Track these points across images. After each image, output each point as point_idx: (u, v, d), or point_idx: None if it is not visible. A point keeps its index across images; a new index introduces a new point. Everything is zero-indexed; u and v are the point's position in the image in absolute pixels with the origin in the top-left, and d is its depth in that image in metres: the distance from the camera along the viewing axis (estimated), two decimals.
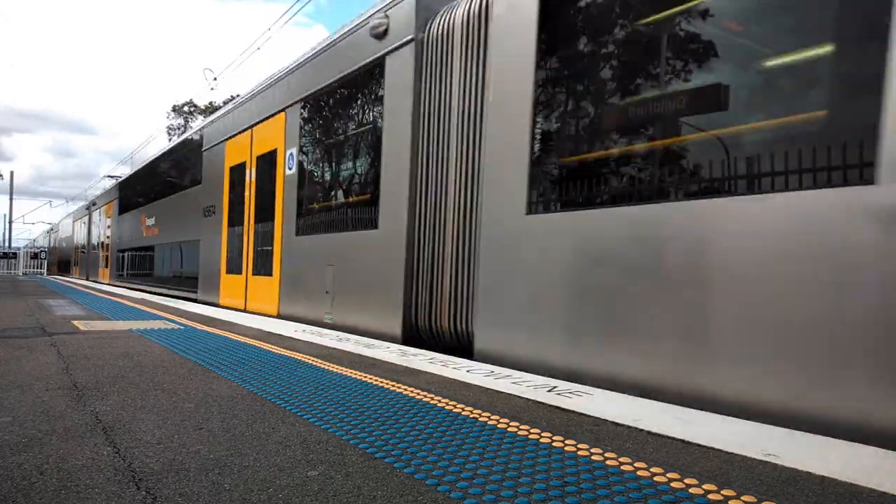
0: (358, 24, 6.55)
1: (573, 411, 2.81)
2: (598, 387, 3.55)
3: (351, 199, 6.86)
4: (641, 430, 2.49)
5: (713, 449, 2.24)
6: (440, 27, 5.50)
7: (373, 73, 6.32)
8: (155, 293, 13.51)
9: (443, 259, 5.32)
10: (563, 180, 4.17)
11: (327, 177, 7.40)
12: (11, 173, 42.27)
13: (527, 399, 3.06)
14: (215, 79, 22.60)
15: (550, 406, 2.91)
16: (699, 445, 2.28)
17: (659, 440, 2.36)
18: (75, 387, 3.15)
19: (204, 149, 11.45)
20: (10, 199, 43.09)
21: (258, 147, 8.93)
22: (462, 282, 5.09)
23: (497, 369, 3.95)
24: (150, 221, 15.83)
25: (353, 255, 6.52)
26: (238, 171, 9.73)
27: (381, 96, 6.16)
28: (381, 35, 6.09)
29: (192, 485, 1.80)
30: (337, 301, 6.76)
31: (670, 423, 2.58)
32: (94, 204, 25.10)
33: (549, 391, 3.25)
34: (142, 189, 17.05)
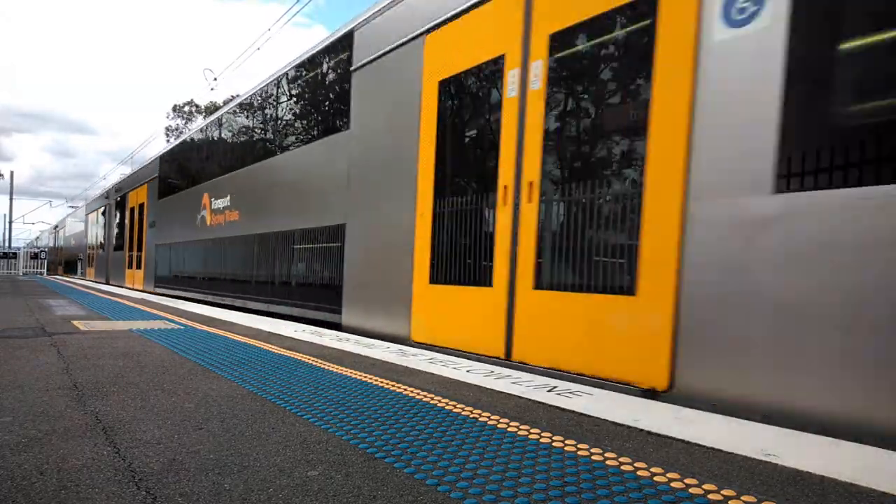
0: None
1: (573, 411, 2.81)
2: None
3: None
4: (641, 430, 2.49)
5: (713, 449, 2.24)
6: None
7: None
8: (75, 276, 27.65)
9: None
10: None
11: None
12: (11, 173, 42.28)
13: (527, 399, 3.06)
14: (215, 79, 22.64)
15: (550, 406, 2.91)
16: (699, 445, 2.29)
17: (659, 440, 2.36)
18: (75, 387, 3.15)
19: (87, 213, 26.78)
20: (10, 199, 43.10)
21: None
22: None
23: (497, 369, 3.95)
24: (73, 241, 32.94)
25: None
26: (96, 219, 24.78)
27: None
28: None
29: (192, 485, 1.80)
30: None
31: (670, 423, 2.58)
32: (57, 227, 43.97)
33: (549, 391, 3.25)
34: (72, 224, 33.99)
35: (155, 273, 14.61)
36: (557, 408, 2.87)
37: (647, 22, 3.61)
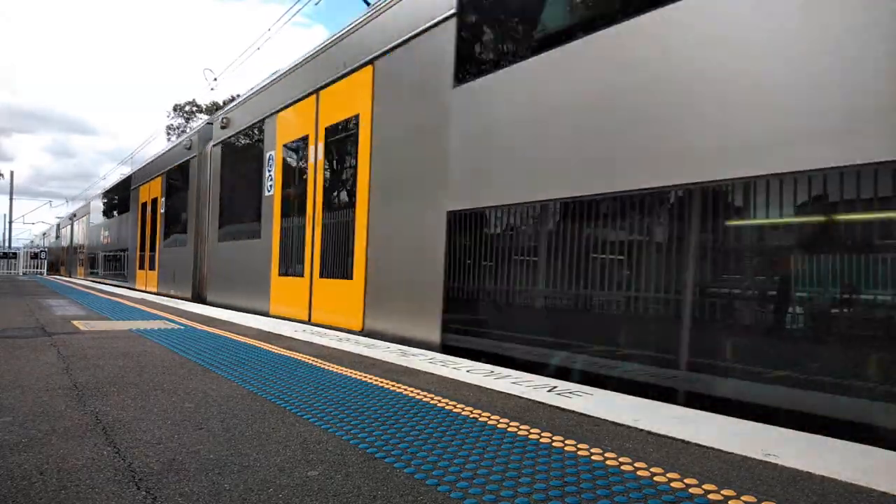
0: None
1: (573, 411, 2.81)
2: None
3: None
4: (641, 430, 2.49)
5: (713, 449, 2.24)
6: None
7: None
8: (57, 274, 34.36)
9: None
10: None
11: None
12: (11, 173, 42.31)
13: (527, 399, 3.06)
14: (215, 79, 22.52)
15: (550, 406, 2.91)
16: (699, 445, 2.28)
17: (659, 440, 2.36)
18: (75, 387, 3.15)
19: (61, 227, 40.18)
20: (10, 199, 43.15)
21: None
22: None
23: (497, 369, 3.95)
24: (60, 243, 40.31)
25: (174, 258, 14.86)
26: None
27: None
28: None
29: (192, 485, 1.80)
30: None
31: (670, 423, 2.58)
32: (45, 234, 53.71)
33: (549, 391, 3.25)
34: (53, 233, 45.29)
35: (88, 268, 26.32)
36: (557, 408, 2.87)
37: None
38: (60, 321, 6.60)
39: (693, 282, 3.32)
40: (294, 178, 7.90)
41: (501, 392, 3.22)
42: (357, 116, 6.45)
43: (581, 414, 2.76)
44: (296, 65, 8.04)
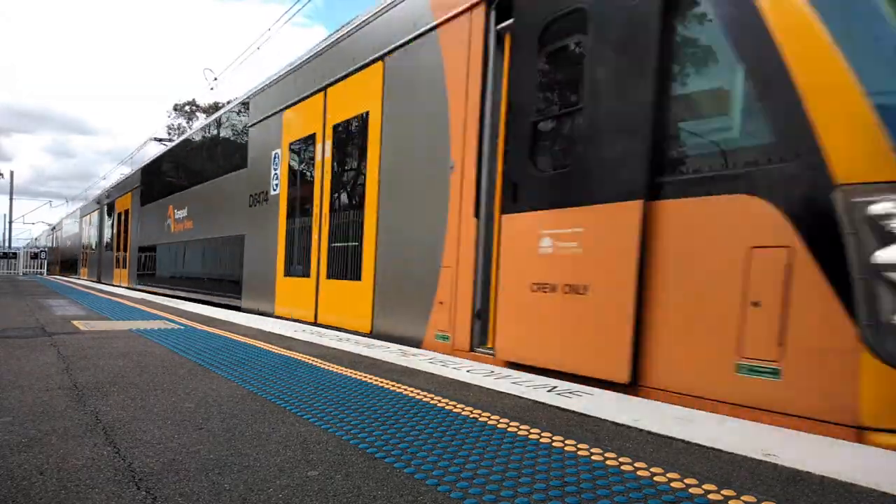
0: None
1: (573, 411, 2.81)
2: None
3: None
4: (641, 430, 2.49)
5: (713, 449, 2.24)
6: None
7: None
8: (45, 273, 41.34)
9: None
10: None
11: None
12: (11, 173, 42.26)
13: (527, 399, 3.06)
14: (215, 79, 22.32)
15: (550, 406, 2.91)
16: (699, 445, 2.29)
17: (659, 440, 2.36)
18: (75, 387, 3.15)
19: (47, 234, 57.63)
20: (10, 199, 43.14)
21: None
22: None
23: (497, 369, 3.95)
24: (49, 245, 51.22)
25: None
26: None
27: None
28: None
29: (192, 485, 1.80)
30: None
31: (670, 424, 2.58)
32: (36, 239, 62.24)
33: (549, 391, 3.25)
34: (44, 238, 59.45)
35: (60, 267, 35.91)
36: (557, 408, 2.87)
37: None
38: (60, 321, 6.60)
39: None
40: (119, 231, 19.22)
41: (501, 392, 3.22)
42: (127, 210, 17.48)
43: (581, 414, 2.76)
44: (120, 182, 20.45)
